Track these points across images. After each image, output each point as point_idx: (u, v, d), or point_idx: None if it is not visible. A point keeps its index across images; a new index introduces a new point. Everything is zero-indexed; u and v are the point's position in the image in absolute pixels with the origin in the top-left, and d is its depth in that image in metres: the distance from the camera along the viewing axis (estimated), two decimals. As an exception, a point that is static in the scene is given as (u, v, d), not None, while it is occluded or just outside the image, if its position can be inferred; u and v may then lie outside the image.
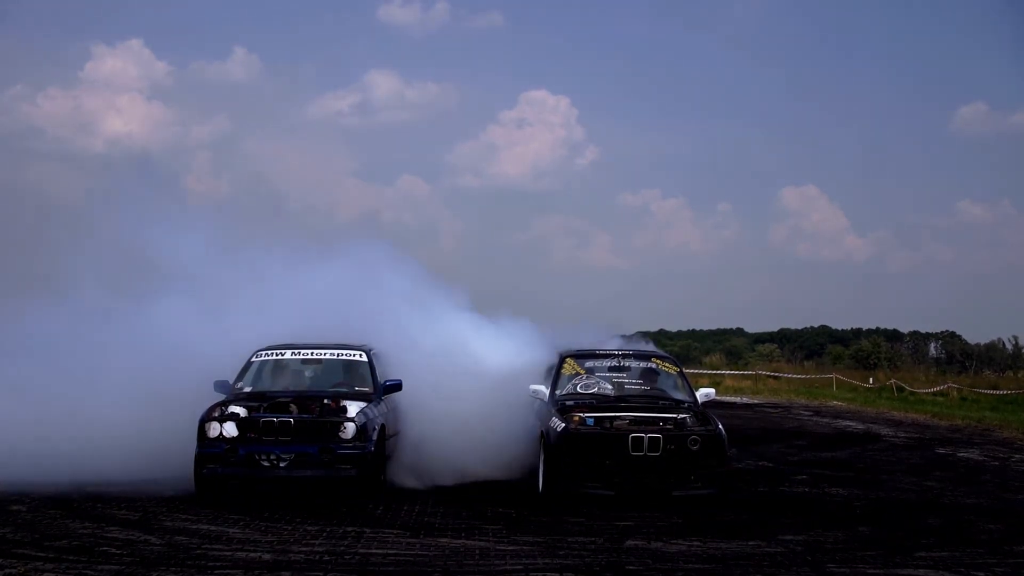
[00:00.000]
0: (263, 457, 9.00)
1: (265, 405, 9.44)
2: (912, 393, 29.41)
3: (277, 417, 9.12)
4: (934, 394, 28.80)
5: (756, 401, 28.56)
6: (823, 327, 71.37)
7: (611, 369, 10.89)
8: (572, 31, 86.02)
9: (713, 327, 76.02)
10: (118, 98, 73.79)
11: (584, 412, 9.58)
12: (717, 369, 41.00)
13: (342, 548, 7.14)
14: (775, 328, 70.75)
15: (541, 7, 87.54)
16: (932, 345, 62.25)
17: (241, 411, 9.25)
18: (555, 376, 10.69)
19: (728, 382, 36.11)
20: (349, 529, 7.87)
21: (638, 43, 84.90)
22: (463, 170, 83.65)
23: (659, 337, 59.84)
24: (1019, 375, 35.99)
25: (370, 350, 10.83)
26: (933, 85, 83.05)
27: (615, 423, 9.37)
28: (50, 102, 72.99)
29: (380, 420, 9.63)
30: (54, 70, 76.56)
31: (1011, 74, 76.75)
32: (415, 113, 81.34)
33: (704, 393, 10.43)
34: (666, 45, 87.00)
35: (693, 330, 74.56)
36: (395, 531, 7.86)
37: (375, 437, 9.32)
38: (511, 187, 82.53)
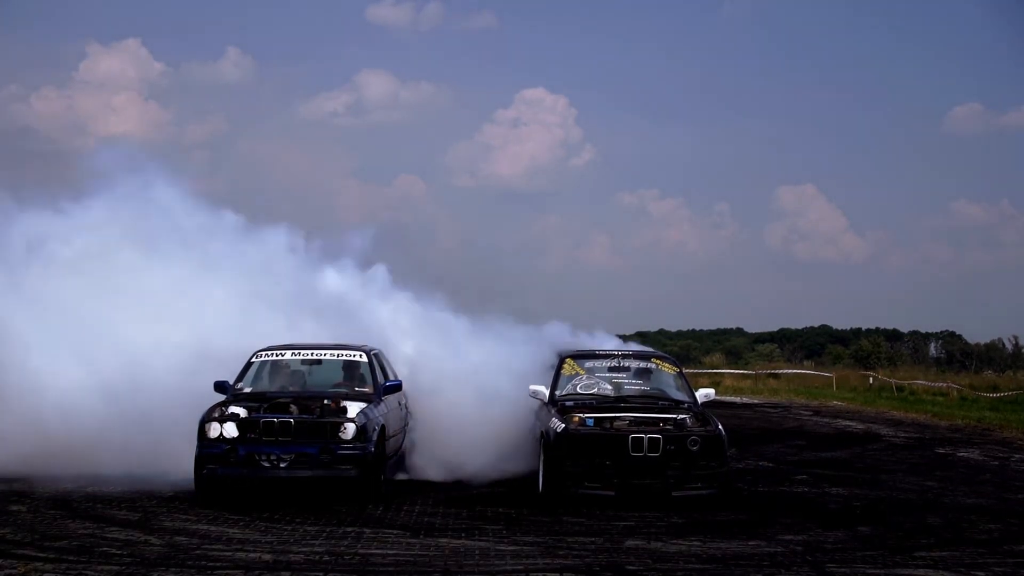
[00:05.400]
0: (263, 457, 9.00)
1: (265, 406, 9.44)
2: (912, 393, 29.41)
3: (277, 417, 9.12)
4: (934, 394, 28.79)
5: (756, 401, 28.55)
6: (823, 327, 71.36)
7: (611, 369, 10.88)
8: (568, 32, 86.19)
9: (713, 327, 76.06)
10: (113, 98, 73.81)
11: (584, 413, 9.59)
12: (717, 369, 40.97)
13: (342, 548, 7.14)
14: (775, 328, 70.79)
15: (534, 8, 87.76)
16: (932, 345, 62.28)
17: (241, 411, 9.25)
18: (555, 376, 10.69)
19: (728, 382, 36.07)
20: (349, 529, 7.88)
21: (635, 43, 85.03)
22: (460, 170, 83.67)
23: (659, 337, 59.93)
24: (1019, 375, 35.93)
25: (371, 350, 10.84)
26: (928, 85, 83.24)
27: (615, 424, 9.37)
28: (44, 102, 73.00)
29: (380, 420, 9.63)
30: (49, 70, 76.61)
31: (1005, 74, 76.95)
32: (410, 113, 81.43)
33: (704, 393, 10.42)
34: (663, 44, 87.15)
35: (693, 330, 74.60)
36: (395, 531, 7.86)
37: (375, 438, 9.32)
38: (508, 187, 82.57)
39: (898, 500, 9.88)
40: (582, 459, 9.07)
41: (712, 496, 9.11)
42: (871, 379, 33.81)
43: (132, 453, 10.14)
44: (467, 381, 11.41)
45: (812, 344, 64.91)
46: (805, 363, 46.63)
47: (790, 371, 40.06)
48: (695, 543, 7.53)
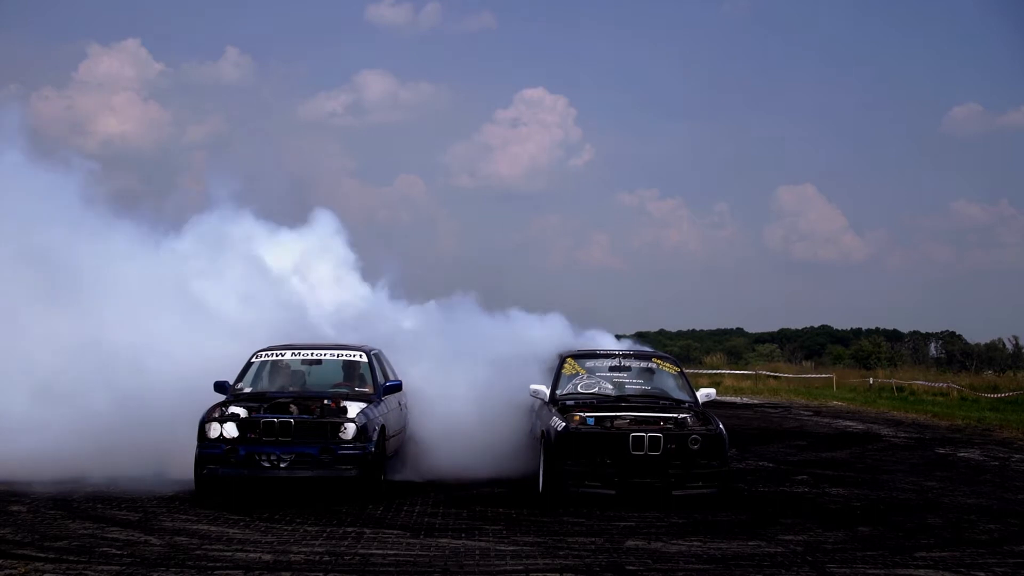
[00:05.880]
0: (263, 457, 9.00)
1: (265, 406, 9.44)
2: (912, 393, 29.40)
3: (277, 418, 9.12)
4: (934, 394, 28.78)
5: (756, 401, 28.55)
6: (823, 327, 71.39)
7: (611, 369, 10.88)
8: (567, 32, 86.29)
9: (713, 327, 76.12)
10: (113, 98, 73.77)
11: (584, 412, 9.58)
12: (717, 369, 40.97)
13: (342, 548, 7.14)
14: (775, 328, 70.84)
15: (533, 8, 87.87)
16: (932, 345, 62.27)
17: (241, 412, 9.25)
18: (555, 376, 10.69)
19: (728, 382, 36.08)
20: (349, 529, 7.88)
21: (634, 43, 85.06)
22: (460, 170, 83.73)
23: (659, 337, 59.96)
24: (1019, 375, 35.93)
25: (371, 351, 10.84)
26: (928, 85, 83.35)
27: (615, 423, 9.37)
28: (44, 102, 72.90)
29: (380, 420, 9.63)
30: (48, 70, 76.61)
31: (1005, 74, 77.07)
32: (410, 113, 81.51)
33: (704, 393, 10.42)
34: (663, 44, 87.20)
35: (693, 330, 74.67)
36: (395, 531, 7.86)
37: (375, 437, 9.32)
38: (508, 186, 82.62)
39: (898, 500, 9.88)
40: (582, 458, 9.06)
41: (712, 495, 9.10)
42: (871, 379, 33.79)
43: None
44: None
45: (812, 344, 64.92)
46: (805, 363, 46.65)
47: (790, 372, 40.05)
48: (695, 543, 7.53)
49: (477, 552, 7.10)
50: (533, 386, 10.59)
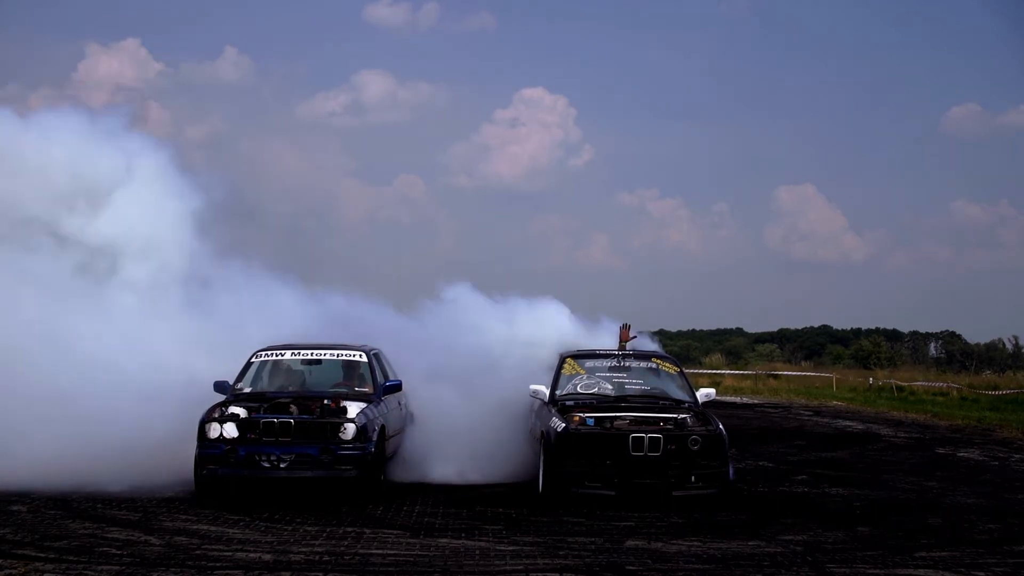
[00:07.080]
0: (263, 458, 9.00)
1: (265, 406, 9.44)
2: (912, 393, 29.41)
3: (277, 418, 9.12)
4: (934, 394, 28.78)
5: (756, 401, 28.55)
6: (823, 327, 71.42)
7: (611, 369, 10.87)
8: (567, 31, 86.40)
9: (713, 327, 76.17)
10: (112, 98, 73.73)
11: (584, 412, 9.58)
12: (717, 369, 40.98)
13: (342, 548, 7.14)
14: (775, 328, 70.87)
15: (532, 8, 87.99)
16: (932, 345, 62.32)
17: (241, 412, 9.25)
18: (555, 376, 10.68)
19: (728, 382, 36.08)
20: (349, 529, 7.88)
21: (634, 43, 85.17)
22: (459, 170, 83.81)
23: (659, 337, 59.78)
24: (1019, 375, 35.94)
25: (371, 350, 10.84)
26: (928, 84, 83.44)
27: (615, 423, 9.37)
28: (43, 102, 72.87)
29: (380, 420, 9.63)
30: (47, 70, 76.68)
31: (1004, 75, 77.13)
32: (409, 113, 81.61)
33: (704, 393, 10.42)
34: (663, 44, 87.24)
35: (693, 330, 74.69)
36: (395, 531, 7.86)
37: (375, 438, 9.32)
38: (508, 187, 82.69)
39: (898, 500, 9.88)
40: (582, 459, 9.06)
41: (712, 496, 9.10)
42: (871, 379, 33.78)
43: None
44: None
45: (812, 344, 64.96)
46: (805, 363, 46.67)
47: (790, 371, 40.06)
48: (695, 543, 7.53)
49: (477, 552, 7.11)
50: (533, 386, 10.57)
